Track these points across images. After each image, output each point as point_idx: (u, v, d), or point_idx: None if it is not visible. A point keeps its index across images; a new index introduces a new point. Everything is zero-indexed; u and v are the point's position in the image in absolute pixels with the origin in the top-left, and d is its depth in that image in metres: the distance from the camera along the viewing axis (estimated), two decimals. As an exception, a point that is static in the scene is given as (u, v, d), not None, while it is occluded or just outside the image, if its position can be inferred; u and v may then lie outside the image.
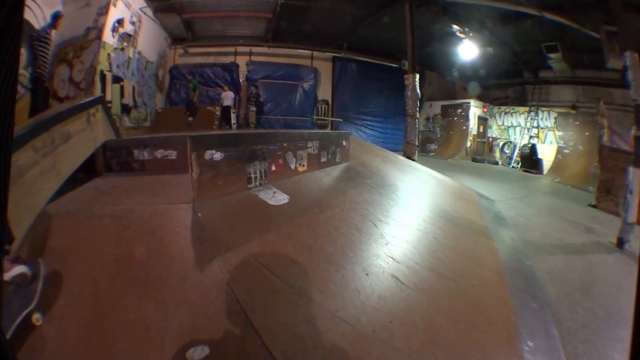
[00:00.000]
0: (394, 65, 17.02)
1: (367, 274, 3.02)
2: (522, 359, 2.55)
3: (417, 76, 11.21)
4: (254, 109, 14.97)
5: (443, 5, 12.47)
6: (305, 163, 5.16)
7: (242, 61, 16.09)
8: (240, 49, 16.03)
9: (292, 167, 4.92)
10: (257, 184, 4.09)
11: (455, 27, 14.22)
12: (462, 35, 14.55)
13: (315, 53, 16.91)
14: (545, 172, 14.63)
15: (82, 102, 4.95)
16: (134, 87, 12.23)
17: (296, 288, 2.57)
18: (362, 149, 8.22)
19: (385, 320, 2.52)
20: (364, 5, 13.56)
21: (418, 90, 11.25)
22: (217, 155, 3.58)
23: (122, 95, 11.23)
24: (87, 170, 4.27)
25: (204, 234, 2.84)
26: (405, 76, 11.47)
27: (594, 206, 8.88)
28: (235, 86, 15.31)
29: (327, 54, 17.04)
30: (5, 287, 1.78)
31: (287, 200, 3.89)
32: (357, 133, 16.81)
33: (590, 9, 9.62)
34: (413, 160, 10.42)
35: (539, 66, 15.72)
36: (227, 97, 13.36)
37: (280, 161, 4.63)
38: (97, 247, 2.68)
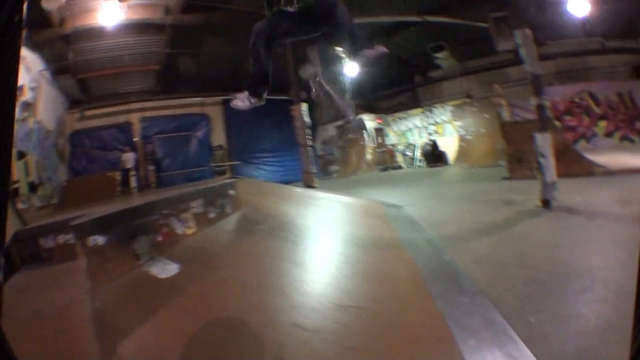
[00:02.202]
0: (284, 97, 17.20)
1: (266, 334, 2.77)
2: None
3: (304, 105, 11.59)
4: (153, 167, 14.49)
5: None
6: (192, 224, 4.88)
7: (137, 119, 15.63)
8: (133, 106, 15.51)
9: (180, 232, 4.63)
10: (147, 259, 3.81)
11: (338, 49, 14.85)
12: (344, 56, 15.21)
13: (205, 99, 16.74)
14: (451, 162, 15.45)
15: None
16: (37, 162, 11.11)
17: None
18: (256, 191, 7.91)
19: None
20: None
21: (307, 119, 11.58)
22: (100, 240, 3.42)
23: (27, 172, 10.12)
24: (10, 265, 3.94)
25: (105, 322, 2.70)
26: (292, 107, 11.85)
27: (509, 178, 9.57)
28: (131, 146, 14.80)
29: (217, 97, 16.76)
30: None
31: (177, 270, 3.65)
32: (256, 172, 16.81)
33: (473, 3, 10.43)
34: (313, 187, 10.61)
35: (428, 67, 16.77)
36: (128, 159, 12.62)
37: (165, 229, 4.39)
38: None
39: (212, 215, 5.27)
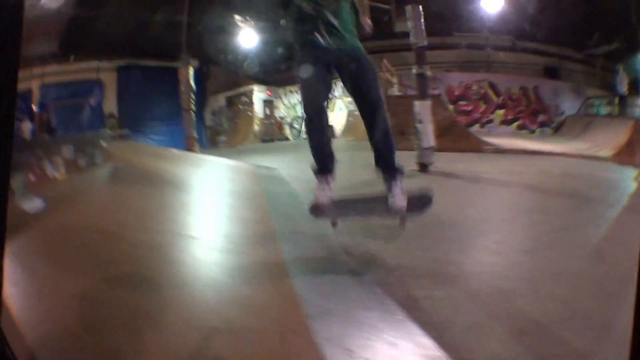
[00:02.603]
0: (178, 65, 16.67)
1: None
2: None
3: (191, 70, 11.55)
4: (48, 137, 13.07)
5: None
6: (63, 170, 5.12)
7: (36, 86, 13.90)
8: (35, 71, 13.55)
9: (51, 175, 4.91)
10: (20, 194, 4.00)
11: (237, 17, 14.52)
12: (242, 25, 14.91)
13: (101, 64, 15.54)
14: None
15: None
16: None
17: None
18: (133, 150, 8.05)
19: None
20: (147, 7, 13.30)
21: (192, 84, 11.55)
22: None
23: None
24: None
25: None
26: (179, 70, 11.69)
27: None
28: (30, 115, 13.30)
29: (113, 63, 15.83)
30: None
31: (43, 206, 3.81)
32: (147, 141, 15.69)
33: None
34: (194, 152, 10.52)
35: None
36: (26, 129, 11.37)
37: (38, 170, 4.73)
38: None
39: (82, 163, 5.62)
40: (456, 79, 16.04)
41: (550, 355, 2.01)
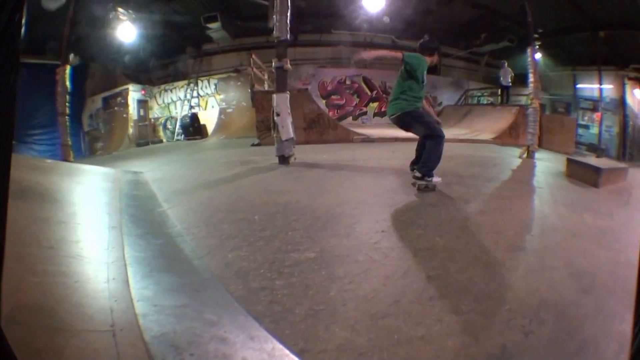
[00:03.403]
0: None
1: None
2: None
3: (69, 68, 10.37)
4: None
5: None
6: None
7: None
8: None
9: None
10: None
11: (118, 10, 13.52)
12: (123, 18, 13.93)
13: None
14: (210, 135, 15.72)
15: None
16: None
17: None
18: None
19: None
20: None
21: (68, 83, 10.33)
22: None
23: None
24: None
25: None
26: (57, 70, 10.30)
27: (258, 145, 9.94)
28: None
29: None
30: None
31: None
32: (29, 152, 14.25)
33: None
34: (70, 161, 9.58)
35: (201, 40, 16.60)
36: None
37: None
38: None
39: None
40: (329, 75, 16.71)
41: (411, 338, 2.01)
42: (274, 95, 7.07)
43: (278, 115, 6.86)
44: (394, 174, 5.74)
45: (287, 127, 6.84)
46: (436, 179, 4.65)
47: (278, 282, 2.54)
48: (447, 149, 4.46)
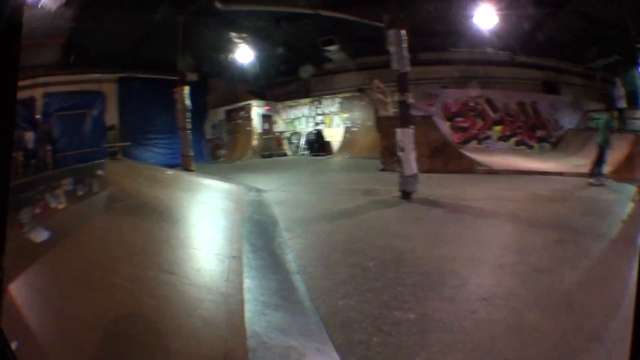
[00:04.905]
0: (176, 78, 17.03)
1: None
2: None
3: (187, 88, 11.97)
4: (50, 147, 13.58)
5: (219, 15, 12.80)
6: (64, 200, 5.59)
7: (40, 94, 14.59)
8: (39, 79, 14.31)
9: (53, 206, 5.36)
10: (29, 227, 4.40)
11: (233, 34, 14.92)
12: (239, 41, 15.31)
13: (102, 76, 16.14)
14: (335, 152, 16.23)
15: None
16: None
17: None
18: (128, 172, 8.32)
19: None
20: (146, 22, 13.48)
21: (188, 102, 11.98)
22: None
23: None
24: None
25: None
26: (175, 89, 12.11)
27: (383, 170, 10.07)
28: (33, 124, 13.89)
29: (114, 75, 16.42)
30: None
31: (48, 237, 4.25)
32: (146, 154, 16.66)
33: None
34: (191, 170, 10.98)
35: (321, 59, 17.20)
36: (29, 139, 12.10)
37: (42, 204, 5.09)
38: None
39: (80, 193, 6.03)
40: (452, 96, 16.30)
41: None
42: (398, 130, 7.16)
43: (402, 150, 6.95)
44: (512, 221, 5.57)
45: (410, 163, 6.92)
46: None
47: (375, 339, 2.76)
48: (564, 185, 3.98)
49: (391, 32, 7.22)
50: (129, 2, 12.29)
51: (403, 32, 7.23)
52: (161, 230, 5.14)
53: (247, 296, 3.22)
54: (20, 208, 4.47)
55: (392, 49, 7.21)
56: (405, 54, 7.22)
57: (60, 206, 5.39)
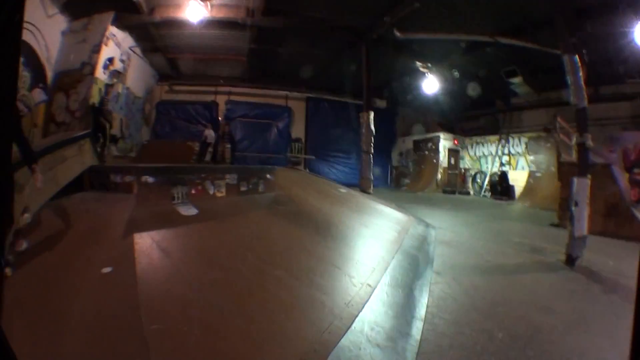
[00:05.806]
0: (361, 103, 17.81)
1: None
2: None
3: (372, 113, 12.37)
4: (229, 145, 15.36)
5: (401, 43, 13.11)
6: (223, 190, 6.53)
7: (222, 100, 17.51)
8: (220, 88, 17.48)
9: (211, 192, 6.33)
10: (179, 201, 5.60)
11: (418, 63, 14.92)
12: (424, 70, 15.21)
13: (290, 93, 18.19)
14: (516, 197, 14.83)
15: (75, 135, 7.40)
16: (122, 120, 13.47)
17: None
18: (301, 182, 8.81)
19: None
20: (329, 48, 14.66)
21: (372, 127, 12.38)
22: (150, 179, 5.51)
23: (111, 126, 11.84)
24: (78, 185, 5.59)
25: (134, 222, 4.29)
26: (360, 114, 12.67)
27: (557, 225, 8.78)
28: (214, 124, 16.17)
29: (302, 94, 18.37)
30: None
31: (196, 213, 5.25)
32: (328, 169, 17.99)
33: (545, 25, 9.55)
34: (367, 193, 11.07)
35: (508, 93, 16.28)
36: (210, 134, 13.93)
37: (199, 187, 6.13)
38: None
39: (243, 188, 7.00)
40: (632, 139, 12.98)
41: None
42: (574, 179, 6.06)
43: (576, 205, 5.89)
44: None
45: (582, 222, 5.84)
46: None
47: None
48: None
49: (565, 58, 6.27)
50: (313, 31, 13.13)
51: (576, 58, 6.22)
52: (308, 239, 5.35)
53: (356, 325, 3.23)
54: (175, 185, 5.44)
55: (568, 78, 6.25)
56: (582, 84, 6.19)
57: (219, 194, 6.39)
